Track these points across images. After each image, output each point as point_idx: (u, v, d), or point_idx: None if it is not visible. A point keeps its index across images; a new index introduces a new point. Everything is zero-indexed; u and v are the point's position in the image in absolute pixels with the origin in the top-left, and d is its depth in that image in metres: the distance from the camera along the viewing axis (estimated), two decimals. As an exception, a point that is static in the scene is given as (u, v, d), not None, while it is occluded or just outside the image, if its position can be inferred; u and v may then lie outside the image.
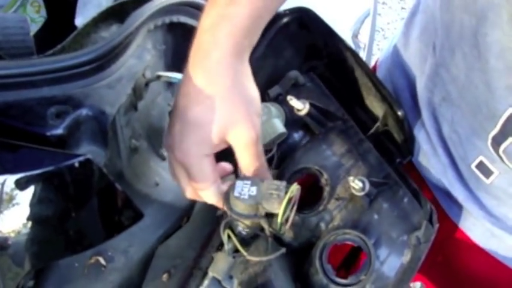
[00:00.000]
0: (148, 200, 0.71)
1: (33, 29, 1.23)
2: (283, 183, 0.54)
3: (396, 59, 0.76)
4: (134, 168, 0.69)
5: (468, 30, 0.57)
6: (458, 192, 0.67)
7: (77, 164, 0.44)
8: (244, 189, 0.53)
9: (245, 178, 0.55)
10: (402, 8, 3.23)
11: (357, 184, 0.55)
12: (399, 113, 0.60)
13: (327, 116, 0.63)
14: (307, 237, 0.58)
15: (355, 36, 1.72)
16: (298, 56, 0.73)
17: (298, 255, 0.58)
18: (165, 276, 0.67)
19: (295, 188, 0.54)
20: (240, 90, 0.52)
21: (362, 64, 0.64)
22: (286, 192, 0.53)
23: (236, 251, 0.56)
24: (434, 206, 0.72)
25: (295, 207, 0.54)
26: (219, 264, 0.55)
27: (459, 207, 0.69)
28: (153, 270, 0.67)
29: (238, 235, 0.57)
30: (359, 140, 0.63)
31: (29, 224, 0.49)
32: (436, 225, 0.57)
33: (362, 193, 0.55)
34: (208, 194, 0.56)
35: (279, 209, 0.53)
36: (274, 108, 0.62)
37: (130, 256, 0.67)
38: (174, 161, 0.55)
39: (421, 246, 0.55)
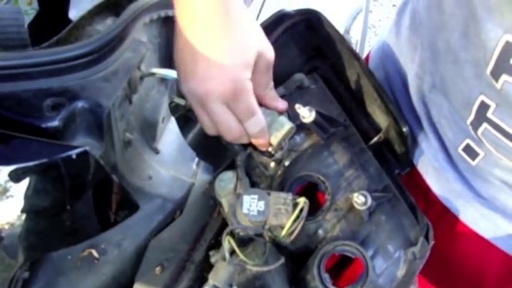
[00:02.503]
0: (142, 193, 0.71)
1: (25, 21, 1.22)
2: (290, 196, 0.56)
3: (388, 48, 0.78)
4: (128, 161, 0.69)
5: (440, 26, 0.60)
6: (448, 175, 0.69)
7: (74, 156, 0.45)
8: (252, 205, 0.55)
9: (252, 192, 0.56)
10: (393, 6, 3.24)
11: (360, 199, 0.56)
12: (404, 129, 0.61)
13: (330, 122, 0.64)
14: (305, 243, 0.59)
15: (346, 32, 1.73)
16: (302, 55, 0.73)
17: (294, 259, 0.59)
18: (158, 269, 0.67)
19: (302, 202, 0.55)
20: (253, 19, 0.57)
21: (368, 74, 0.64)
22: (294, 205, 0.55)
23: (234, 251, 0.57)
24: (424, 190, 0.74)
25: (302, 222, 0.55)
26: (220, 272, 0.56)
27: (449, 190, 0.71)
28: (146, 263, 0.67)
29: (236, 235, 0.58)
30: (360, 149, 0.64)
31: (23, 216, 0.49)
32: (432, 242, 0.58)
33: (364, 207, 0.56)
34: (257, 119, 0.58)
35: (287, 224, 0.54)
36: None
37: (123, 249, 0.67)
38: (214, 99, 0.55)
39: (416, 262, 0.57)
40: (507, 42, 0.50)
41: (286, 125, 0.61)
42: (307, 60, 0.68)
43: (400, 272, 0.56)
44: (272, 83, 0.61)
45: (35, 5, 1.30)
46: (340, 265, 0.65)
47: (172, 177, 0.77)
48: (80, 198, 0.50)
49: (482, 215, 0.69)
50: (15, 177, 0.46)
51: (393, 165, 0.64)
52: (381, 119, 0.64)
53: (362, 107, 0.67)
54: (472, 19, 0.54)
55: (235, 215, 0.56)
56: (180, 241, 0.69)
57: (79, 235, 0.53)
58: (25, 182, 0.47)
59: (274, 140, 0.60)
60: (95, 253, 0.64)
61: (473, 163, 0.65)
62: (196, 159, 0.82)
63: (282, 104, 0.62)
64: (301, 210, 0.56)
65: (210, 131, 0.59)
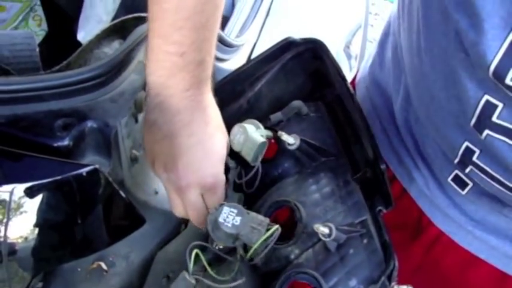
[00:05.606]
0: (148, 207, 0.73)
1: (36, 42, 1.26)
2: (266, 221, 0.57)
3: (373, 78, 0.78)
4: (134, 177, 0.72)
5: (422, 74, 0.60)
6: (440, 201, 0.70)
7: (84, 174, 0.47)
8: (230, 217, 0.56)
9: (233, 206, 0.58)
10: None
11: (323, 230, 0.56)
12: (381, 167, 0.61)
13: (318, 151, 0.65)
14: (276, 267, 0.60)
15: (346, 46, 1.75)
16: (310, 83, 0.74)
17: (266, 278, 0.60)
18: (164, 280, 0.69)
19: (275, 228, 0.56)
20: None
21: (358, 110, 0.65)
22: (267, 230, 0.56)
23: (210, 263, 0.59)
24: (417, 213, 0.75)
25: (270, 245, 0.56)
26: (179, 284, 0.57)
27: (442, 214, 0.72)
28: (152, 274, 0.69)
29: (213, 249, 0.59)
30: (345, 181, 0.64)
31: (36, 230, 0.52)
32: (393, 284, 0.57)
33: (328, 239, 0.56)
34: (199, 221, 0.62)
35: (255, 245, 0.56)
36: (248, 125, 0.64)
37: (130, 261, 0.69)
38: (193, 191, 0.60)
39: None
40: (487, 101, 0.50)
41: (257, 142, 0.62)
42: (315, 88, 0.68)
43: None
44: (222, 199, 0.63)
45: (44, 26, 1.34)
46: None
47: (177, 192, 0.79)
48: (90, 212, 0.53)
49: (475, 237, 0.70)
50: (29, 193, 0.49)
51: (377, 201, 0.63)
52: (371, 154, 0.65)
53: (358, 139, 0.67)
54: (451, 76, 0.54)
55: (212, 223, 0.58)
56: (185, 253, 0.71)
57: (89, 247, 0.55)
58: (39, 198, 0.50)
59: (248, 157, 0.62)
60: (103, 265, 0.66)
61: (463, 192, 0.65)
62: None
63: None
64: (272, 235, 0.56)
65: (180, 214, 0.63)
